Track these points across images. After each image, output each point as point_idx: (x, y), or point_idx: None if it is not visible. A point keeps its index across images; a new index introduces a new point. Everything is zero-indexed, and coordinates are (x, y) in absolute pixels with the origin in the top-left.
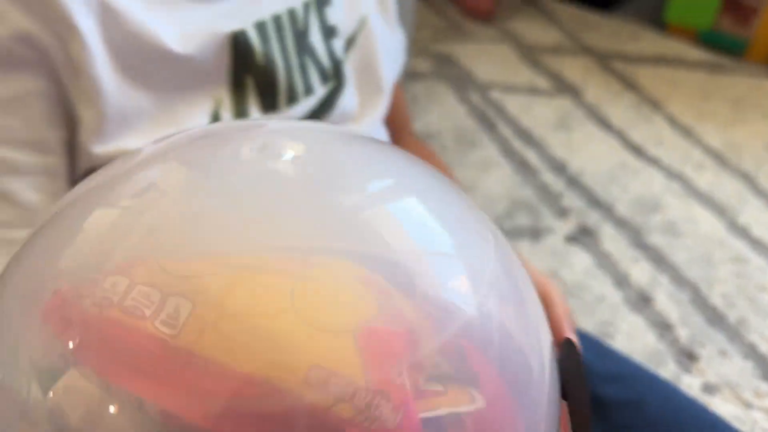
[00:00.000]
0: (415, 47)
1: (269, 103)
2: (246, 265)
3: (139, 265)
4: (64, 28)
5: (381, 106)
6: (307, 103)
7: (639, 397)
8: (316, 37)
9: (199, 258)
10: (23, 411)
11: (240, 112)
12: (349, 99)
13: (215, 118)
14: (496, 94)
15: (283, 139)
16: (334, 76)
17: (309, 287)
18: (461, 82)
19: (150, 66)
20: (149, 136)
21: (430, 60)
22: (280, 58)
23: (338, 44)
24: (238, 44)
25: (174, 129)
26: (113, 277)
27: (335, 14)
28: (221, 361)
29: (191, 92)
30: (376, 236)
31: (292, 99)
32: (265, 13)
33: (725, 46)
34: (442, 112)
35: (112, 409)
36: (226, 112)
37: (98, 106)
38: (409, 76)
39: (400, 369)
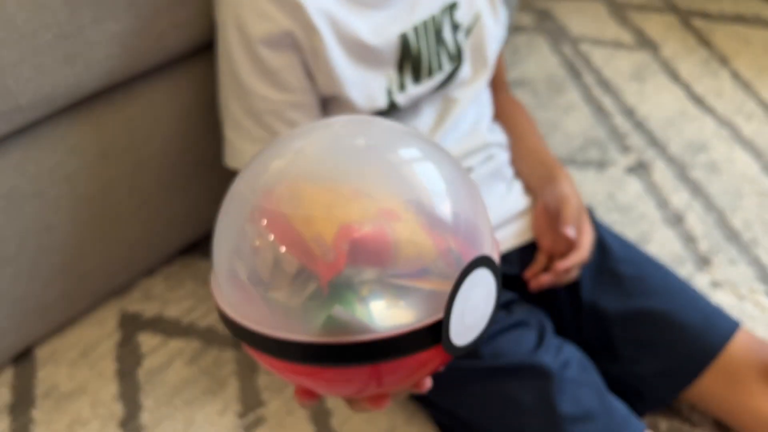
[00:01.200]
0: (521, 3)
1: (416, 77)
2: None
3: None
4: (310, 29)
5: (486, 75)
6: (439, 76)
7: (643, 274)
8: (447, 32)
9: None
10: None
11: (401, 84)
12: (465, 71)
13: (388, 88)
14: (585, 47)
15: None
16: (457, 57)
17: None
18: (556, 35)
19: (355, 50)
20: (353, 91)
21: (532, 15)
22: (425, 49)
23: (461, 35)
24: (404, 42)
25: (363, 90)
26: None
27: (460, 14)
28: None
29: (375, 69)
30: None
31: (430, 74)
32: (418, 19)
33: None
34: (538, 62)
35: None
36: (393, 84)
37: (326, 73)
38: (513, 29)
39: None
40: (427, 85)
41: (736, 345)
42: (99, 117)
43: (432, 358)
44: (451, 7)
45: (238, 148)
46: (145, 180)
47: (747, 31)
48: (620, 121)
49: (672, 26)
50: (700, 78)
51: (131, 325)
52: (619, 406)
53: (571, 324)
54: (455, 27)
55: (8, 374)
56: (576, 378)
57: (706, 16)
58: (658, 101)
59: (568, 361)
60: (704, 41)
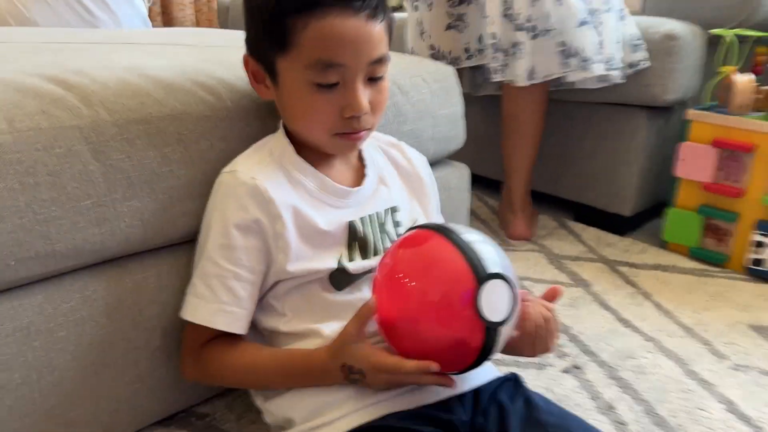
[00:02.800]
0: None
1: (364, 255)
2: None
3: None
4: (276, 217)
5: None
6: (381, 255)
7: (566, 423)
8: (389, 225)
9: None
10: None
11: (350, 258)
12: None
13: (339, 262)
14: (527, 283)
15: None
16: None
17: None
18: None
19: (312, 235)
20: (306, 266)
21: None
22: (371, 234)
23: (400, 229)
24: (351, 228)
25: (312, 263)
26: None
27: (400, 215)
28: None
29: (328, 249)
30: None
31: (375, 253)
32: (365, 213)
33: (709, 259)
34: None
35: None
36: (344, 259)
37: (285, 253)
38: None
39: None
40: (375, 261)
41: None
42: (113, 277)
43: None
44: (393, 209)
45: (186, 301)
46: (140, 340)
47: (666, 275)
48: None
49: (602, 271)
50: (627, 307)
51: None
52: None
53: None
54: (396, 223)
55: None
56: None
57: (630, 265)
58: (590, 323)
59: None
60: (630, 282)
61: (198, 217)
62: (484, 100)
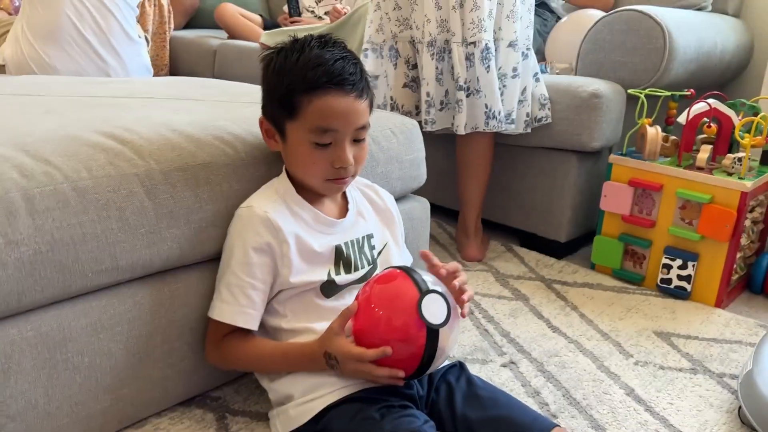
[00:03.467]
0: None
1: (347, 270)
2: None
3: None
4: (282, 241)
5: None
6: (361, 272)
7: (495, 396)
8: (366, 248)
9: None
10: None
11: (337, 272)
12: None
13: (329, 275)
14: (477, 297)
15: None
16: (372, 264)
17: None
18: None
19: (308, 254)
20: (300, 277)
21: None
22: (353, 255)
23: (375, 252)
24: (338, 249)
25: (308, 276)
26: None
27: (374, 241)
28: None
29: (321, 265)
30: None
31: (355, 270)
32: (348, 239)
33: (629, 279)
34: None
35: None
36: (333, 273)
37: (288, 268)
38: None
39: None
40: (356, 275)
41: None
42: (155, 286)
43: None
44: (368, 236)
45: (214, 305)
46: (173, 335)
47: (591, 291)
48: (498, 339)
49: (539, 288)
50: (557, 317)
51: None
52: None
53: (450, 428)
54: (371, 246)
55: None
56: None
57: (563, 283)
58: (526, 329)
59: None
60: (561, 297)
61: (219, 241)
62: (445, 140)
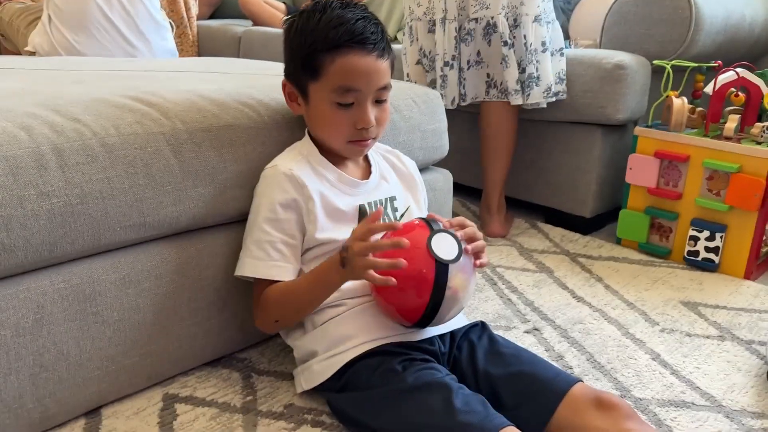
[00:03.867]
0: None
1: None
2: None
3: None
4: (308, 197)
5: None
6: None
7: (517, 352)
8: (389, 209)
9: None
10: None
11: None
12: None
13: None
14: (500, 270)
15: None
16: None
17: None
18: None
19: (333, 212)
20: (325, 234)
21: None
22: None
23: (397, 213)
24: (362, 210)
25: (336, 235)
26: None
27: (397, 203)
28: None
29: (345, 224)
30: None
31: None
32: (371, 199)
33: (655, 252)
34: None
35: None
36: None
37: (314, 224)
38: None
39: None
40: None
41: (578, 388)
42: (182, 245)
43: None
44: (392, 198)
45: (242, 261)
46: (199, 294)
47: (617, 264)
48: (522, 308)
49: (563, 261)
50: (582, 288)
51: (170, 399)
52: (495, 413)
53: (472, 385)
54: (394, 208)
55: (80, 423)
56: (467, 393)
57: (588, 257)
58: (550, 299)
59: (462, 386)
60: (586, 269)
61: (243, 202)
62: (469, 118)
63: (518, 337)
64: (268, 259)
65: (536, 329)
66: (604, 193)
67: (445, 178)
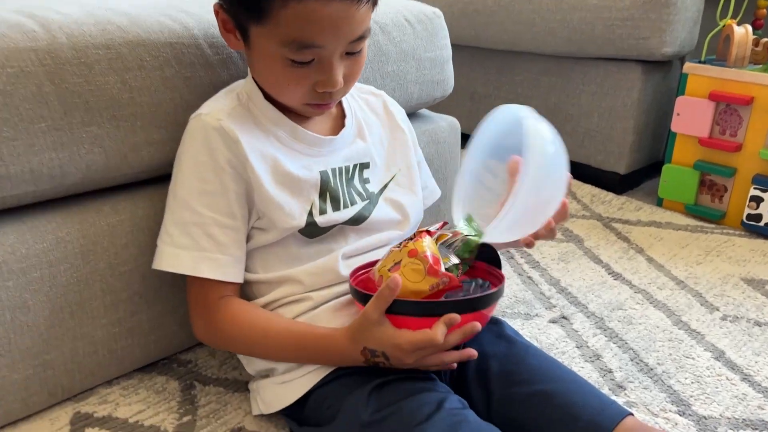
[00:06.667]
0: None
1: (335, 207)
2: None
3: None
4: (244, 160)
5: (408, 220)
6: (353, 209)
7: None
8: (356, 181)
9: None
10: None
11: (322, 210)
12: (384, 213)
13: (309, 211)
14: None
15: None
16: (368, 200)
17: None
18: None
19: (285, 182)
20: (277, 211)
21: None
22: (339, 186)
23: (371, 186)
24: (323, 177)
25: (287, 210)
26: None
27: (369, 173)
28: None
29: (301, 195)
30: None
31: (344, 206)
32: (335, 165)
33: (705, 216)
34: None
35: None
36: (315, 209)
37: (261, 195)
38: None
39: None
40: (345, 213)
41: (627, 424)
42: (87, 219)
43: None
44: (362, 165)
45: (160, 250)
46: (117, 283)
47: (660, 231)
48: (546, 289)
49: (595, 227)
50: (619, 261)
51: (81, 421)
52: None
53: (482, 408)
54: (364, 180)
55: None
56: (476, 425)
57: (624, 221)
58: (580, 276)
59: (469, 414)
60: (623, 238)
61: (166, 148)
62: (482, 57)
63: (541, 329)
64: (195, 248)
65: (564, 318)
66: (643, 145)
67: (450, 128)
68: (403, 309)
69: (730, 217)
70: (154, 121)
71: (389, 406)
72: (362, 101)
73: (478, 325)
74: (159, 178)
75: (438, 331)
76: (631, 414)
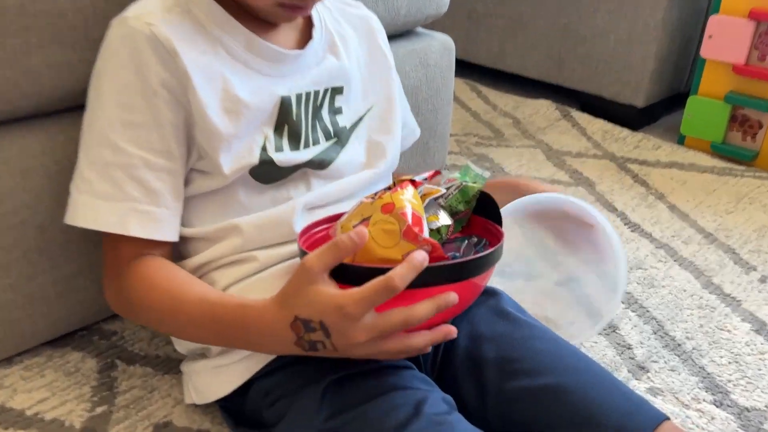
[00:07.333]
0: (459, 148)
1: (294, 145)
2: None
3: None
4: (184, 76)
5: (383, 164)
6: (315, 149)
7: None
8: (325, 112)
9: None
10: None
11: (278, 147)
12: (353, 156)
13: (263, 146)
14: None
15: None
16: (336, 138)
17: None
18: (493, 171)
19: (234, 109)
20: (231, 153)
21: (470, 157)
22: (303, 118)
23: (341, 119)
24: (283, 104)
25: (235, 143)
26: None
27: (342, 100)
28: None
29: (253, 128)
30: None
31: (306, 145)
32: (301, 89)
33: (735, 156)
34: None
35: None
36: (269, 144)
37: (202, 124)
38: (450, 168)
39: None
40: (305, 154)
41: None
42: None
43: None
44: (335, 90)
45: (73, 199)
46: (6, 239)
47: (682, 174)
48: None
49: (608, 169)
50: (636, 209)
51: None
52: None
53: (473, 406)
54: (336, 110)
55: None
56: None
57: (642, 162)
58: None
59: (456, 417)
60: (640, 181)
61: (76, 70)
62: None
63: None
64: (121, 197)
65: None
66: (665, 74)
67: (443, 48)
68: (357, 276)
69: (763, 157)
70: (56, 37)
71: (350, 409)
72: (336, 10)
73: (455, 296)
74: (66, 109)
75: (396, 274)
76: (668, 418)
